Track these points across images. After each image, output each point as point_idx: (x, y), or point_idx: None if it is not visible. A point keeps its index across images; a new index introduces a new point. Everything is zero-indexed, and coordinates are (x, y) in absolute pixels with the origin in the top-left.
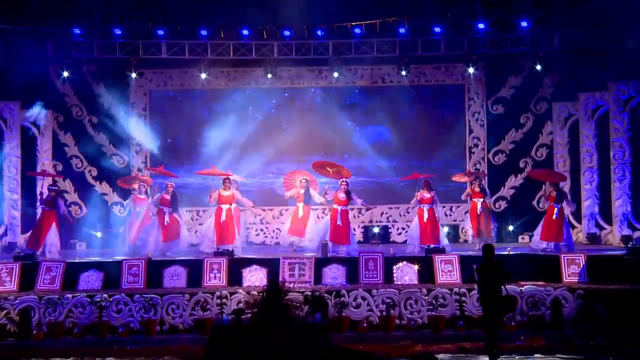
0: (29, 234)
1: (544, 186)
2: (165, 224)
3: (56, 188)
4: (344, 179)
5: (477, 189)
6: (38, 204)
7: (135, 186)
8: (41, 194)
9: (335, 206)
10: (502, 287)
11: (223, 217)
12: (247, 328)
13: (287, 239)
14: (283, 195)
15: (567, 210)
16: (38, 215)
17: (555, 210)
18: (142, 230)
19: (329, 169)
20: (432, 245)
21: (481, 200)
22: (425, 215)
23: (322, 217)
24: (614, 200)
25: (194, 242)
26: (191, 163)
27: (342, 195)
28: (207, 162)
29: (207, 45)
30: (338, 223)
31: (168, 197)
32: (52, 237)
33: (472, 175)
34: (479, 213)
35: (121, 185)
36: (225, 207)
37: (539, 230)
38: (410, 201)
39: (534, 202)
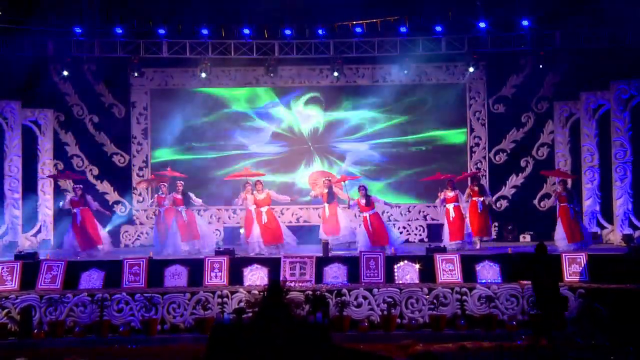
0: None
1: (545, 185)
2: (185, 221)
3: (81, 185)
4: (360, 185)
5: (475, 188)
6: (65, 204)
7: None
8: (67, 195)
9: (363, 214)
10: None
11: (265, 219)
12: (248, 327)
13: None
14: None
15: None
16: (76, 217)
17: (570, 210)
18: (167, 234)
19: (320, 179)
20: (460, 241)
21: (481, 199)
22: (452, 214)
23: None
24: (615, 199)
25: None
26: (193, 162)
27: (363, 202)
28: (208, 161)
29: (208, 44)
30: (370, 228)
31: (179, 195)
32: (100, 230)
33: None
34: (479, 212)
35: (140, 186)
36: (264, 209)
37: (562, 234)
38: (409, 200)
39: (535, 202)
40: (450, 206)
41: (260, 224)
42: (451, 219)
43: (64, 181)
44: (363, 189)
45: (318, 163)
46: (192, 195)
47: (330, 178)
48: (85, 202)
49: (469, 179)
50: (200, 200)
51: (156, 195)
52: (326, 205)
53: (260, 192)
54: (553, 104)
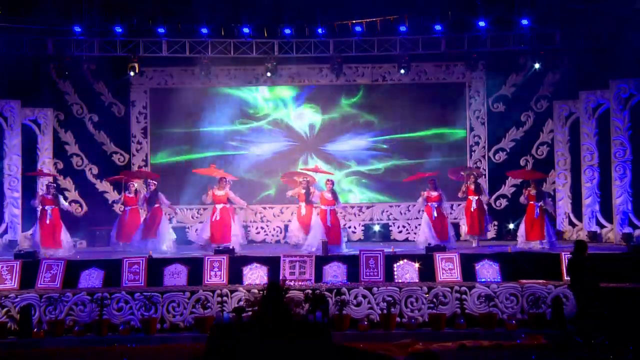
0: (31, 232)
1: (544, 184)
2: (144, 221)
3: (55, 184)
4: (328, 179)
5: (472, 187)
6: (38, 202)
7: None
8: (41, 193)
9: (323, 207)
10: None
11: (217, 216)
12: (247, 326)
13: (293, 238)
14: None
15: (550, 208)
16: (46, 215)
17: (536, 208)
18: (136, 230)
19: (295, 178)
20: (441, 243)
21: (476, 198)
22: (434, 213)
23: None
24: (615, 198)
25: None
26: (192, 161)
27: (328, 195)
28: (207, 161)
29: (207, 43)
30: (328, 224)
31: (148, 195)
32: (63, 234)
33: (466, 171)
34: (472, 210)
35: (110, 181)
36: (219, 206)
37: (522, 230)
38: (409, 199)
39: None
40: (433, 205)
41: (212, 221)
42: (434, 218)
43: (62, 179)
44: (331, 183)
45: (317, 162)
46: (162, 196)
47: (308, 178)
48: (57, 202)
49: (472, 175)
50: (169, 202)
51: (124, 194)
52: (303, 204)
53: (221, 190)
54: (553, 103)
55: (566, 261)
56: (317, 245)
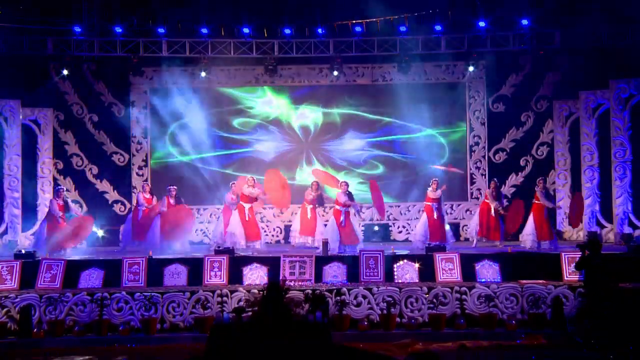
0: (32, 232)
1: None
2: (168, 222)
3: (64, 188)
4: (344, 181)
5: (493, 193)
6: (55, 209)
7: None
8: (52, 200)
9: (338, 207)
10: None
11: (248, 216)
12: (247, 326)
13: (298, 239)
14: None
15: (549, 207)
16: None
17: (544, 208)
18: (149, 230)
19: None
20: (437, 243)
21: (495, 202)
22: (435, 214)
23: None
24: (615, 198)
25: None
26: (192, 162)
27: (344, 198)
28: (207, 160)
29: (207, 43)
30: (342, 224)
31: (172, 200)
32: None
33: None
34: (492, 215)
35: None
36: (247, 205)
37: (531, 229)
38: (409, 199)
39: None
40: (434, 205)
41: (244, 220)
42: (435, 218)
43: (62, 179)
44: (345, 185)
45: (317, 162)
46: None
47: (317, 181)
48: (67, 208)
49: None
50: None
51: (142, 194)
52: (309, 207)
53: (253, 187)
54: (553, 103)
55: (567, 261)
56: (333, 245)
